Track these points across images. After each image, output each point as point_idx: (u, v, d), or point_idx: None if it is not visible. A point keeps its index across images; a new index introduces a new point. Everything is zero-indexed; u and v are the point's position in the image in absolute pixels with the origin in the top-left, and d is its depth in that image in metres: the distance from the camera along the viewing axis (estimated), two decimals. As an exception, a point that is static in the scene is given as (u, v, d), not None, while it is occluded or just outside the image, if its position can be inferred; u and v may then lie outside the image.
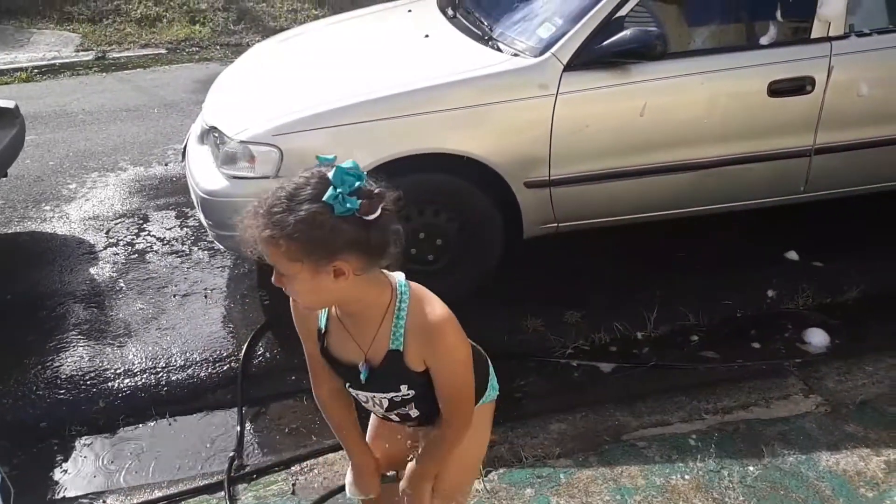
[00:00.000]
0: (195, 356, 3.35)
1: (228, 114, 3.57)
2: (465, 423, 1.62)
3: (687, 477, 2.52)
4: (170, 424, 2.99)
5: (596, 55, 3.28)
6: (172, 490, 2.59)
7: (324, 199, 1.30)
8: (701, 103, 3.46)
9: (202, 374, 3.24)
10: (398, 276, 1.55)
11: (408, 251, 3.42)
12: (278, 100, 3.55)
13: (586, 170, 3.42)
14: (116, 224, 4.72)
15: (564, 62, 3.27)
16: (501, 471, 2.59)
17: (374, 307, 1.50)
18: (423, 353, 1.51)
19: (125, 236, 4.54)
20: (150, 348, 3.41)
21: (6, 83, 7.61)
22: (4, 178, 4.54)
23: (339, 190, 1.30)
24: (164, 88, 7.25)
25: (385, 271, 1.53)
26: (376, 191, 1.35)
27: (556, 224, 3.55)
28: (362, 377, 1.55)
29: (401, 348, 1.50)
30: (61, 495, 2.64)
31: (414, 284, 1.57)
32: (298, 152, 3.21)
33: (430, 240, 3.46)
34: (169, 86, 7.31)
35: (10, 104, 4.52)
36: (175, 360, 3.32)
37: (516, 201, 3.41)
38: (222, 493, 2.55)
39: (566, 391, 3.07)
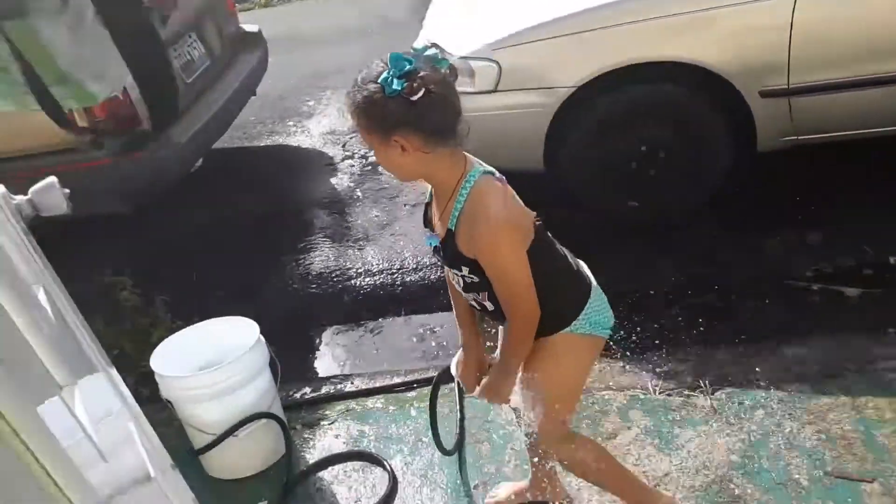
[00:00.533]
0: (425, 260, 3.56)
1: (449, 30, 3.62)
2: (523, 323, 1.65)
3: (946, 413, 2.28)
4: (405, 320, 3.25)
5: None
6: (408, 378, 2.82)
7: (378, 80, 1.43)
8: None
9: (432, 277, 3.45)
10: (478, 165, 1.61)
11: (628, 165, 3.34)
12: (497, 15, 3.53)
13: (832, 77, 3.05)
14: (351, 138, 5.07)
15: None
16: (730, 390, 2.50)
17: (445, 185, 1.60)
18: (469, 240, 1.58)
19: (359, 150, 4.86)
20: (385, 252, 3.68)
21: (248, 9, 8.33)
22: (254, 97, 5.03)
23: (390, 72, 1.42)
24: (387, 9, 7.49)
25: (468, 156, 1.60)
26: (420, 73, 1.43)
27: (795, 136, 3.23)
28: (430, 243, 1.71)
29: (453, 228, 1.59)
30: (316, 374, 3.00)
31: (487, 178, 1.59)
32: (516, 66, 3.20)
33: (652, 153, 3.31)
34: (391, 6, 7.54)
35: (254, 28, 4.95)
36: (408, 263, 3.56)
37: (749, 112, 3.15)
38: (452, 383, 2.73)
39: (805, 315, 2.86)
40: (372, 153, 4.82)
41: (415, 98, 1.43)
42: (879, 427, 2.26)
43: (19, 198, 1.08)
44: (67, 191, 1.16)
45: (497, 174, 1.63)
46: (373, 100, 1.45)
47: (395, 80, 1.42)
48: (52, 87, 0.80)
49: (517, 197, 1.65)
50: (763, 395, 2.46)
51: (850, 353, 2.58)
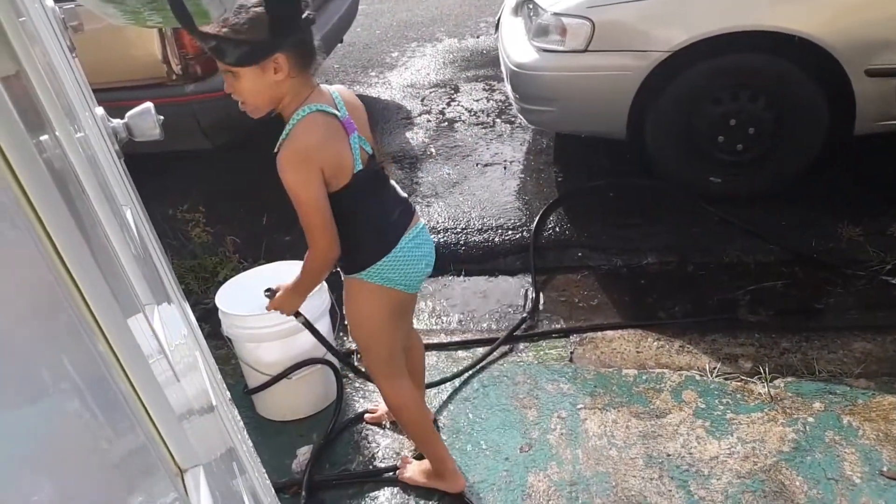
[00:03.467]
0: (491, 222, 3.57)
1: (544, -16, 3.56)
2: (316, 253, 1.79)
3: None
4: (464, 281, 3.27)
5: None
6: (461, 337, 2.87)
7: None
8: None
9: (496, 240, 3.46)
10: (321, 102, 1.73)
11: (714, 138, 3.26)
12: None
13: (950, 59, 2.88)
14: (430, 93, 5.07)
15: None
16: (790, 379, 2.45)
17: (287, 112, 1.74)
18: None
19: (437, 105, 4.87)
20: (452, 210, 3.70)
21: (344, -44, 8.30)
22: (340, 44, 5.06)
23: None
24: (482, -39, 7.38)
25: (319, 90, 1.76)
26: None
27: (898, 121, 3.08)
28: None
29: (276, 151, 1.73)
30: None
31: (311, 117, 1.70)
32: (610, 25, 3.13)
33: (741, 128, 3.22)
34: (486, -41, 7.42)
35: (348, -26, 4.96)
36: (473, 224, 3.58)
37: (850, 91, 3.01)
38: (506, 346, 2.77)
39: (878, 309, 2.76)
40: (449, 109, 4.82)
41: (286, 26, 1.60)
42: (945, 433, 2.19)
43: (116, 121, 1.14)
44: (161, 117, 1.22)
45: (332, 112, 1.74)
46: (257, 17, 1.56)
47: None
48: None
49: (340, 139, 1.74)
50: (824, 387, 2.41)
51: (923, 355, 2.50)
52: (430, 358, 2.76)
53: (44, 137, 0.60)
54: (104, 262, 0.64)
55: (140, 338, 0.68)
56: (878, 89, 2.98)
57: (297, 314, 2.07)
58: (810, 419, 2.30)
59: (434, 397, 2.57)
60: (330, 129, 1.74)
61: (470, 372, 2.66)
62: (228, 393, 1.34)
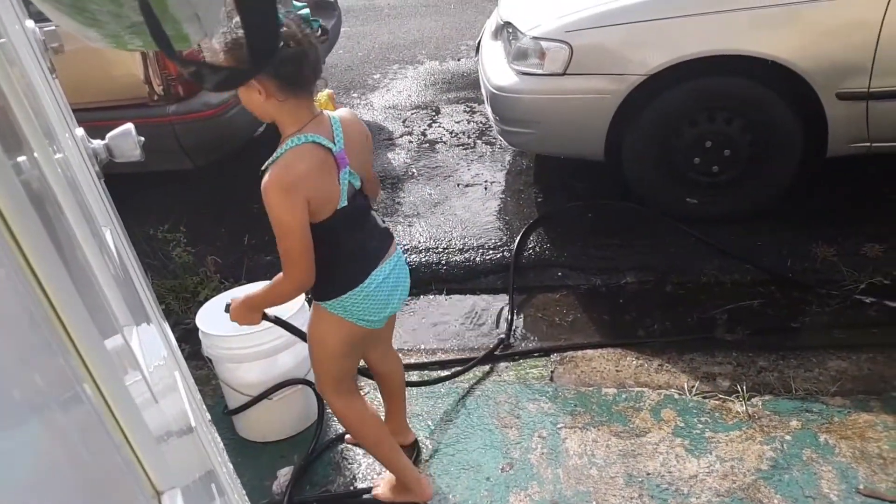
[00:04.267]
0: (472, 242, 3.59)
1: (523, 10, 3.61)
2: (288, 278, 1.78)
3: None
4: (445, 299, 3.28)
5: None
6: (441, 357, 2.87)
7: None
8: None
9: (477, 259, 3.48)
10: (310, 134, 1.73)
11: (690, 160, 3.31)
12: (573, -3, 3.50)
13: (918, 83, 2.96)
14: (412, 114, 5.10)
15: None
16: (767, 398, 2.48)
17: (283, 135, 1.76)
18: None
19: (419, 126, 4.90)
20: (434, 230, 3.72)
21: (327, -21, 8.38)
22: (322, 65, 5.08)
23: None
24: (463, -15, 7.47)
25: (318, 120, 1.76)
26: (283, 28, 1.59)
27: (868, 143, 3.15)
28: None
29: (263, 170, 1.75)
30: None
31: (305, 146, 1.72)
32: (588, 49, 3.18)
33: (717, 150, 3.27)
34: (467, -18, 7.52)
35: (331, -3, 5.01)
36: (454, 244, 3.59)
37: (823, 114, 3.07)
38: (486, 366, 2.77)
39: (853, 329, 2.80)
40: (430, 131, 4.86)
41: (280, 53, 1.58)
42: (919, 450, 2.22)
43: (96, 142, 1.14)
44: (142, 138, 1.23)
45: (327, 146, 1.74)
46: (238, 42, 1.55)
47: None
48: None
49: (329, 173, 1.75)
50: (801, 405, 2.44)
51: (897, 373, 2.54)
52: (410, 377, 2.76)
53: (21, 159, 0.60)
54: (82, 283, 0.65)
55: (117, 359, 0.68)
56: (849, 112, 3.05)
57: (264, 316, 2.04)
58: (787, 437, 2.32)
59: (415, 417, 2.57)
60: (320, 162, 1.74)
61: (445, 383, 2.67)
62: (208, 414, 1.33)
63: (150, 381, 0.79)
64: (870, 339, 2.72)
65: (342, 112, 1.87)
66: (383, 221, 2.01)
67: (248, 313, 1.96)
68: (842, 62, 2.98)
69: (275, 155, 1.74)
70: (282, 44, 1.61)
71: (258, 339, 2.35)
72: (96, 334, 0.60)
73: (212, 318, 2.43)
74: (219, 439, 1.36)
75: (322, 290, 1.89)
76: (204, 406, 1.30)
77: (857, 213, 3.40)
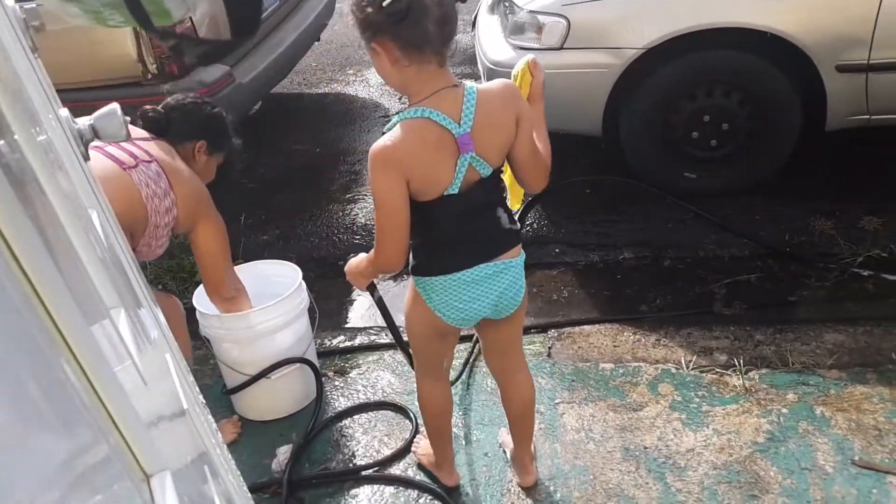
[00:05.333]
0: (469, 219, 3.57)
1: (520, -17, 3.57)
2: (377, 255, 1.71)
3: None
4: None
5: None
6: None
7: None
8: None
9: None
10: (430, 107, 1.58)
11: (689, 135, 3.28)
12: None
13: (917, 55, 2.93)
14: (408, 90, 5.06)
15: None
16: (764, 371, 2.49)
17: (410, 101, 1.63)
18: None
19: (415, 102, 4.86)
20: (430, 207, 3.70)
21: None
22: (317, 42, 5.04)
23: None
24: (458, -42, 7.36)
25: (451, 91, 1.59)
26: None
27: (867, 116, 3.13)
28: None
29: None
30: (353, 324, 3.06)
31: (416, 120, 1.58)
32: (585, 23, 3.14)
33: (715, 124, 3.25)
34: (462, -45, 7.41)
35: (325, -27, 4.94)
36: (452, 221, 3.58)
37: (822, 87, 3.05)
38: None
39: (850, 302, 2.80)
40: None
41: (387, 6, 1.47)
42: (914, 421, 2.23)
43: (81, 122, 1.12)
44: (128, 118, 1.21)
45: (444, 125, 1.58)
46: (360, 5, 1.52)
47: None
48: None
49: (443, 155, 1.60)
50: (798, 378, 2.44)
51: (894, 344, 2.54)
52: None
53: (0, 142, 0.59)
54: (66, 266, 0.64)
55: (105, 344, 0.68)
56: (848, 85, 3.02)
57: (372, 287, 2.01)
58: (784, 410, 2.33)
59: (411, 394, 2.57)
60: (433, 141, 1.58)
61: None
62: (202, 396, 1.33)
63: (140, 365, 0.78)
64: (867, 312, 2.72)
65: (492, 84, 1.67)
66: (512, 222, 1.79)
67: (355, 278, 1.93)
68: (841, 34, 2.95)
69: (389, 124, 1.63)
70: (402, 3, 1.46)
71: (255, 319, 2.36)
72: (81, 320, 0.60)
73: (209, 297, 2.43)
74: (213, 421, 1.36)
75: (414, 263, 1.79)
76: (197, 388, 1.30)
77: (856, 187, 3.39)
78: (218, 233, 2.23)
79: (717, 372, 2.51)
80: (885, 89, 3.03)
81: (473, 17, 4.17)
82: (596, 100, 3.24)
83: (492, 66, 3.45)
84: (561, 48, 3.19)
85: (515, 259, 1.79)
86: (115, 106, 1.14)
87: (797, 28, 2.96)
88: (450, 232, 1.71)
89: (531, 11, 3.25)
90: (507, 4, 3.49)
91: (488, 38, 3.61)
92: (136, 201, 1.98)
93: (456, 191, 1.63)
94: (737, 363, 2.51)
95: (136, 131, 2.14)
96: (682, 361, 2.57)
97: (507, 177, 1.94)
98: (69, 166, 0.93)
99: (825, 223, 3.16)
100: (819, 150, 3.43)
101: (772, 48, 3.02)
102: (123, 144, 2.01)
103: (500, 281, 1.77)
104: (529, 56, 1.85)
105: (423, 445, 2.31)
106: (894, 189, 3.33)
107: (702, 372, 2.52)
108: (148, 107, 2.20)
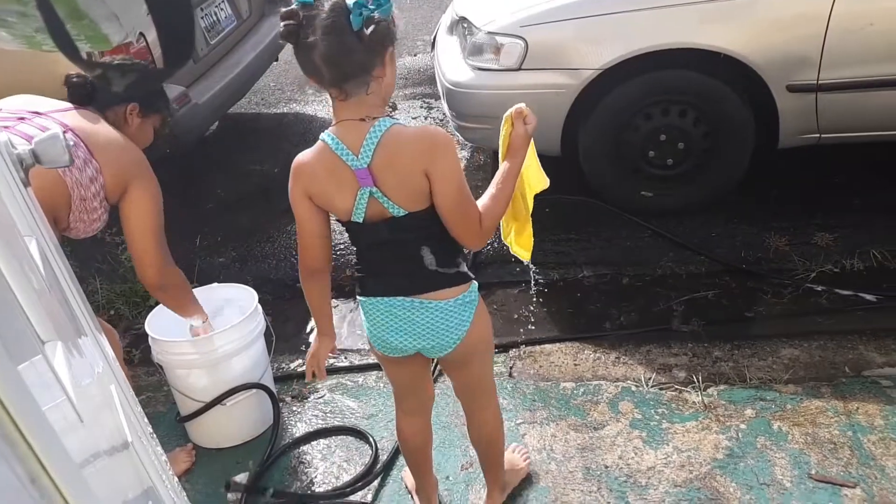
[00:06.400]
0: (430, 239, 3.56)
1: (478, 5, 3.59)
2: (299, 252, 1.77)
3: (937, 426, 2.27)
4: (404, 298, 3.25)
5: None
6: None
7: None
8: None
9: (435, 256, 3.45)
10: (337, 135, 1.59)
11: (645, 154, 3.33)
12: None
13: (864, 75, 3.01)
14: (368, 110, 5.05)
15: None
16: (722, 387, 2.51)
17: None
18: None
19: (375, 121, 4.85)
20: (391, 227, 3.68)
21: (280, -27, 8.26)
22: (276, 62, 5.00)
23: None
24: (418, -22, 7.42)
25: (356, 124, 1.57)
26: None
27: (818, 135, 3.21)
28: None
29: None
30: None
31: (319, 144, 1.63)
32: (543, 44, 3.18)
33: (671, 143, 3.30)
34: (422, -24, 7.47)
35: (283, -7, 4.92)
36: (412, 241, 3.56)
37: (774, 106, 3.12)
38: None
39: (805, 317, 2.85)
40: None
41: (281, 28, 1.50)
42: (867, 433, 2.27)
43: (21, 147, 1.08)
44: (72, 143, 1.17)
45: (339, 154, 1.58)
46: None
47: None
48: (67, 23, 0.74)
49: (339, 182, 1.60)
50: (755, 394, 2.47)
51: (848, 359, 2.59)
52: (368, 378, 2.74)
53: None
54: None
55: (35, 381, 0.64)
56: (799, 104, 3.10)
57: None
58: (742, 426, 2.35)
59: (372, 418, 2.54)
60: (326, 166, 1.59)
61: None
62: (150, 426, 1.29)
63: (76, 400, 0.75)
64: (820, 327, 2.77)
65: (408, 131, 1.58)
66: (443, 265, 1.68)
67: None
68: (791, 55, 3.03)
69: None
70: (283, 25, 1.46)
71: (210, 345, 2.30)
72: (6, 359, 0.57)
73: (162, 323, 2.37)
74: (160, 451, 1.32)
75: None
76: (145, 419, 1.26)
77: (809, 204, 3.46)
78: (149, 202, 2.09)
79: (677, 389, 2.53)
80: (833, 109, 3.11)
81: (432, 37, 4.18)
82: (554, 120, 3.27)
83: (451, 87, 3.46)
84: (519, 69, 3.22)
85: (443, 302, 1.69)
86: (57, 130, 1.11)
87: (749, 49, 3.02)
88: (368, 257, 1.73)
89: (489, 32, 3.27)
90: (465, 25, 3.51)
91: (447, 58, 3.63)
92: (51, 177, 1.88)
93: (360, 220, 1.62)
94: (695, 380, 2.53)
95: (55, 103, 2.05)
96: (642, 379, 2.58)
97: (508, 224, 1.94)
98: (5, 193, 0.89)
99: (780, 240, 3.22)
100: (773, 167, 3.51)
101: (725, 69, 3.09)
102: (36, 121, 1.93)
103: (419, 319, 1.71)
104: (520, 105, 1.77)
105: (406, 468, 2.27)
106: (845, 205, 3.41)
107: (661, 389, 2.53)
108: (73, 72, 2.10)
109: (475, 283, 1.77)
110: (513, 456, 2.27)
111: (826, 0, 2.91)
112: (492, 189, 1.72)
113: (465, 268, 1.74)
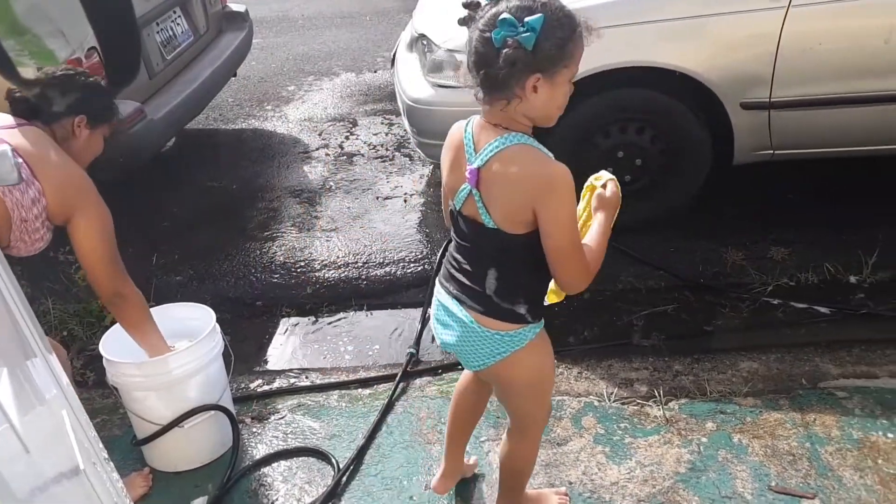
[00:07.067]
0: (392, 255, 3.55)
1: (437, 22, 3.61)
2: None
3: (890, 436, 2.32)
4: (366, 315, 3.23)
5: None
6: (363, 375, 2.81)
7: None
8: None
9: (398, 273, 3.44)
10: (480, 127, 1.67)
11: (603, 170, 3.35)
12: (487, 8, 3.52)
13: (814, 93, 3.10)
14: (329, 126, 5.03)
15: (801, -30, 2.94)
16: (683, 401, 2.53)
17: None
18: None
19: (336, 139, 4.83)
20: (353, 244, 3.66)
21: (239, -11, 8.21)
22: (234, 78, 4.96)
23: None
24: (378, -3, 7.46)
25: (486, 124, 1.66)
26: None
27: (771, 151, 3.28)
28: None
29: None
30: (271, 367, 2.96)
31: (458, 122, 1.73)
32: (503, 62, 3.19)
33: (629, 159, 3.34)
34: (382, -6, 7.51)
35: (241, 8, 4.89)
36: (374, 258, 3.54)
37: (729, 123, 3.18)
38: (404, 382, 2.73)
39: (762, 330, 2.90)
40: (348, 143, 4.79)
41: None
42: (825, 444, 2.31)
43: (-33, 169, 1.04)
44: (20, 160, 1.13)
45: (465, 135, 1.68)
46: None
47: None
48: (7, 39, 0.69)
49: (457, 164, 1.68)
50: (715, 407, 2.50)
51: (804, 371, 2.63)
52: (330, 398, 2.70)
53: None
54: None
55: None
56: (753, 121, 3.17)
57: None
58: (703, 439, 2.37)
59: (335, 438, 2.50)
60: (458, 145, 1.68)
61: (365, 401, 2.60)
62: (104, 451, 1.24)
63: (21, 429, 0.71)
64: (778, 340, 2.83)
65: (528, 159, 1.58)
66: (499, 295, 1.66)
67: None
68: (744, 73, 3.10)
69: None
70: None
71: (166, 366, 2.25)
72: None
73: (118, 344, 2.31)
74: (116, 477, 1.27)
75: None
76: (100, 443, 1.21)
77: (764, 219, 3.53)
78: (98, 225, 2.06)
79: (639, 403, 2.54)
80: (786, 126, 3.19)
81: (392, 54, 4.19)
82: (514, 136, 3.28)
83: (411, 104, 3.46)
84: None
85: (481, 328, 1.69)
86: (5, 148, 1.07)
87: (703, 67, 3.08)
88: (451, 257, 1.77)
89: (449, 50, 3.28)
90: (424, 43, 3.52)
91: (407, 75, 3.63)
92: None
93: (458, 207, 1.67)
94: (657, 394, 2.55)
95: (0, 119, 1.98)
96: (605, 394, 2.59)
97: None
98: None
99: (736, 254, 3.28)
100: (729, 183, 3.57)
101: (682, 86, 3.14)
102: None
103: (455, 325, 1.73)
104: (608, 176, 1.87)
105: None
106: (799, 220, 3.49)
107: (623, 404, 2.54)
108: (14, 87, 2.00)
109: (531, 331, 1.72)
110: (550, 496, 2.19)
111: (777, 20, 2.99)
112: (594, 240, 1.72)
113: (523, 310, 1.69)
